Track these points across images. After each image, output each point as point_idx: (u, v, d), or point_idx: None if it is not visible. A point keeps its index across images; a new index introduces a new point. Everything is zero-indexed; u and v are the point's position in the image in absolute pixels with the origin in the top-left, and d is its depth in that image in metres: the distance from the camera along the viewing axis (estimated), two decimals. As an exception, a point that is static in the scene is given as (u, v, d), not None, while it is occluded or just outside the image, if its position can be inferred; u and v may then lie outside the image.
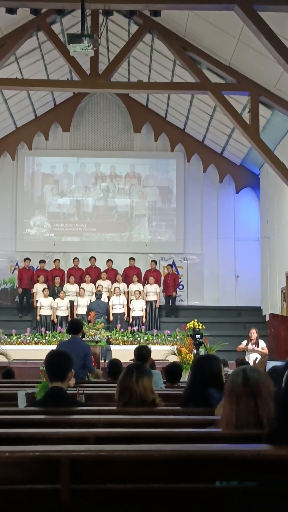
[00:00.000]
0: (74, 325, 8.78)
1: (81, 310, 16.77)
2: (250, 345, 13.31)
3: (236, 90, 13.59)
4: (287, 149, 14.87)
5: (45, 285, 17.47)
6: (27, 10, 12.08)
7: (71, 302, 17.04)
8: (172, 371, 7.37)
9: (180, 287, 18.79)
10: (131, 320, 17.02)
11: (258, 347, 13.26)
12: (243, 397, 2.97)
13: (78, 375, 7.46)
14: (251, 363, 10.86)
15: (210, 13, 12.24)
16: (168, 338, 15.33)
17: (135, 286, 17.51)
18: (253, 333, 13.36)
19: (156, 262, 18.40)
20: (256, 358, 12.06)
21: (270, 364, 6.48)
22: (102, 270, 18.10)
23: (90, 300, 16.84)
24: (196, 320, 14.18)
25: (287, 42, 11.17)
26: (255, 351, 13.09)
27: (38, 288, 17.48)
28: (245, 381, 3.00)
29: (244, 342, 13.51)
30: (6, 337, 15.49)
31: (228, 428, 2.98)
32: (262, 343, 13.39)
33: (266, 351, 13.18)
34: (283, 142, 15.27)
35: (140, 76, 17.16)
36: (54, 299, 17.00)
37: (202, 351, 11.62)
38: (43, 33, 13.62)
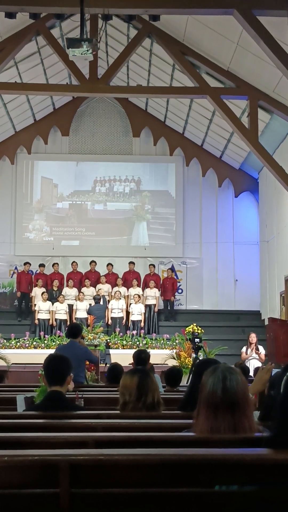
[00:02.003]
0: (73, 329, 8.83)
1: (80, 314, 16.76)
2: (249, 350, 13.31)
3: (235, 95, 13.60)
4: (286, 153, 14.88)
5: (43, 289, 17.44)
6: (26, 14, 12.09)
7: (70, 306, 17.03)
8: (172, 375, 7.36)
9: (179, 291, 18.78)
10: (129, 324, 17.02)
11: (258, 351, 13.27)
12: (220, 410, 2.86)
13: (77, 379, 7.46)
14: (252, 370, 10.86)
15: (209, 18, 12.26)
16: (167, 342, 15.33)
17: (135, 290, 17.50)
18: (253, 338, 13.37)
19: (154, 266, 18.38)
20: (261, 365, 12.03)
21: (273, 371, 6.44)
22: (101, 274, 18.09)
23: (90, 305, 16.83)
24: (195, 324, 14.18)
25: (286, 46, 11.18)
26: (256, 353, 13.10)
27: (37, 292, 17.45)
28: (224, 392, 2.87)
29: (245, 349, 13.50)
30: (5, 341, 15.48)
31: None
32: (262, 350, 13.39)
33: (263, 357, 13.19)
34: (282, 146, 15.29)
35: (139, 81, 17.16)
36: (52, 303, 16.99)
37: (201, 355, 11.60)
38: (42, 37, 13.63)
